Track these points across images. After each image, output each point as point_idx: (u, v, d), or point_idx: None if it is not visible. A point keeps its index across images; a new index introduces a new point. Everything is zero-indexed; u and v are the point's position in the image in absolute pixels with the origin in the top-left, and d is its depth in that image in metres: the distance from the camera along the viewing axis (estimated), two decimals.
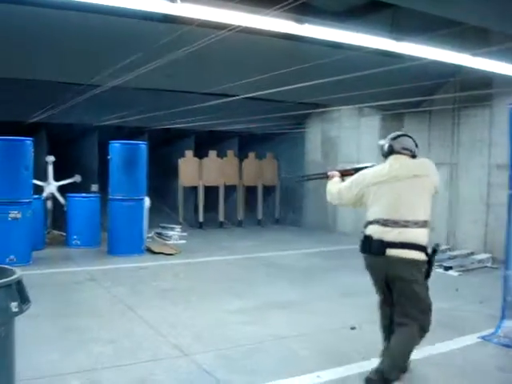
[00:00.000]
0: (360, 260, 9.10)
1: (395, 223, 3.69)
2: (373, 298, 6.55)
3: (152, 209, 10.63)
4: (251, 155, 14.26)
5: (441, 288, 7.16)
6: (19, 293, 3.20)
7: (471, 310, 6.10)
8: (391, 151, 4.03)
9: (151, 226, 11.03)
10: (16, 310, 3.15)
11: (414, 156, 4.04)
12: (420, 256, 3.70)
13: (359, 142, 12.00)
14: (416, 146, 4.11)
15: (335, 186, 4.23)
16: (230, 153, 13.91)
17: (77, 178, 11.17)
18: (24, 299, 3.23)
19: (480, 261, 8.85)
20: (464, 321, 5.48)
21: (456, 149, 9.75)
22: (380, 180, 3.88)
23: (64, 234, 10.42)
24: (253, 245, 10.92)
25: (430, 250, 3.80)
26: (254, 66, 7.27)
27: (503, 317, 5.20)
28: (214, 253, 9.84)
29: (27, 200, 8.49)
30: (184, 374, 4.14)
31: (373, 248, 3.76)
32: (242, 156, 14.11)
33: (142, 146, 9.96)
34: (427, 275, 3.82)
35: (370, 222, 3.84)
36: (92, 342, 4.79)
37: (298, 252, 10.14)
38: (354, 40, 5.92)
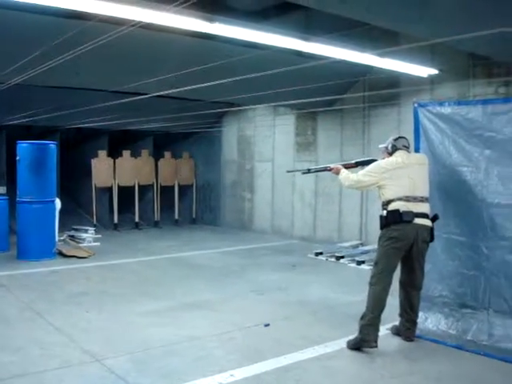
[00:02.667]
0: (274, 258, 9.25)
1: (415, 199, 4.70)
2: (287, 295, 6.71)
3: (64, 211, 10.30)
4: (167, 154, 14.12)
5: (354, 282, 7.41)
6: None
7: None
8: (395, 149, 4.98)
9: (64, 228, 10.70)
10: None
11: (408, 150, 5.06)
12: (430, 223, 4.77)
13: (274, 141, 12.14)
14: (409, 144, 5.09)
15: (352, 175, 5.05)
16: (144, 152, 13.70)
17: None
18: None
19: None
20: None
21: (367, 147, 10.05)
22: (395, 167, 4.80)
23: None
24: (169, 245, 10.82)
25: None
26: (167, 65, 7.20)
27: None
28: (129, 254, 9.66)
29: None
30: (95, 379, 4.04)
31: (405, 217, 4.63)
32: (157, 155, 13.93)
33: (52, 146, 9.63)
34: (432, 237, 4.83)
35: (392, 200, 4.72)
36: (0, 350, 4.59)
37: (214, 251, 10.14)
38: (266, 39, 5.99)
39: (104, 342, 4.89)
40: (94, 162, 12.84)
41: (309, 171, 5.93)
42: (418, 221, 4.65)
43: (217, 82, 6.42)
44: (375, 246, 9.36)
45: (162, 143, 14.30)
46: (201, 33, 5.69)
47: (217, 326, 5.41)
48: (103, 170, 12.92)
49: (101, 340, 4.94)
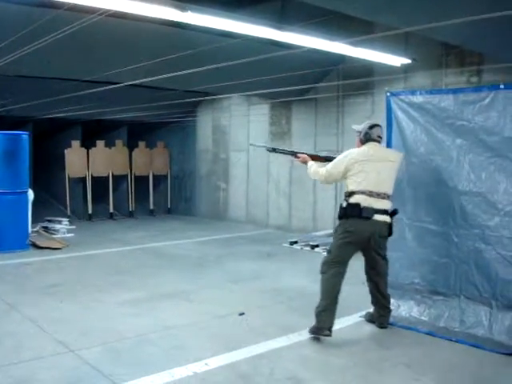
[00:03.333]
0: (249, 247, 9.23)
1: (378, 195, 4.64)
2: (262, 283, 6.74)
3: (37, 202, 10.20)
4: (141, 144, 14.02)
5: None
6: None
7: (354, 291, 6.32)
8: (368, 139, 4.88)
9: (37, 219, 10.59)
10: None
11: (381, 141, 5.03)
12: (389, 219, 4.75)
13: (249, 130, 12.13)
14: (382, 134, 5.05)
15: (321, 170, 5.00)
16: (118, 142, 13.59)
17: None
18: None
19: None
20: (348, 301, 5.67)
21: (341, 136, 10.10)
22: (364, 159, 4.71)
23: None
24: (144, 235, 10.78)
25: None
26: (139, 54, 7.14)
27: None
28: (103, 245, 9.59)
29: None
30: (69, 370, 4.02)
31: (364, 213, 4.60)
32: (131, 145, 13.83)
33: (24, 136, 9.49)
34: (391, 232, 4.83)
35: (355, 192, 4.67)
36: None
37: (189, 241, 10.13)
38: (239, 29, 5.96)
39: (78, 332, 4.87)
40: (67, 152, 12.69)
41: (274, 150, 5.88)
42: (377, 217, 4.64)
43: (190, 71, 6.39)
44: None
45: (137, 133, 14.19)
46: (173, 21, 5.65)
47: (191, 316, 5.43)
48: (76, 160, 12.78)
49: (74, 331, 4.91)
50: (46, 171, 13.41)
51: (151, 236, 10.72)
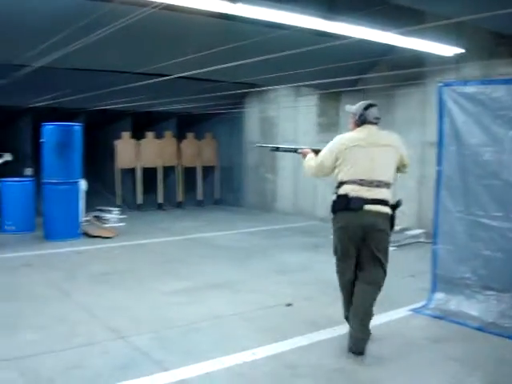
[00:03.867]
0: (296, 239, 9.23)
1: (370, 183, 4.15)
2: (309, 275, 6.74)
3: (89, 192, 10.44)
4: (190, 136, 14.17)
5: None
6: None
7: (404, 283, 6.31)
8: (364, 121, 4.40)
9: (89, 209, 10.83)
10: None
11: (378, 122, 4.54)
12: (388, 210, 4.21)
13: (297, 122, 12.10)
14: (379, 116, 4.54)
15: (314, 160, 4.54)
16: (167, 134, 13.77)
17: (6, 157, 10.71)
18: None
19: (414, 236, 9.14)
20: (396, 294, 5.65)
21: (391, 127, 9.92)
22: (356, 144, 4.25)
23: None
24: (192, 226, 10.91)
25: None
26: (189, 46, 7.19)
27: (434, 289, 5.41)
28: (152, 235, 9.77)
29: None
30: (120, 356, 4.12)
31: (352, 204, 4.13)
32: (180, 137, 13.99)
33: (77, 127, 9.73)
34: (392, 226, 4.30)
35: (345, 182, 4.20)
36: (26, 328, 4.70)
37: (237, 232, 10.20)
38: (288, 19, 5.95)
39: (128, 319, 4.99)
40: (117, 143, 12.95)
41: (277, 149, 5.62)
42: (368, 207, 4.11)
43: (239, 63, 6.42)
44: (397, 227, 9.39)
45: (186, 124, 14.34)
46: (223, 13, 5.68)
47: (239, 306, 5.47)
48: (127, 151, 13.03)
49: (125, 318, 5.03)
50: (97, 162, 13.70)
51: (199, 226, 10.84)
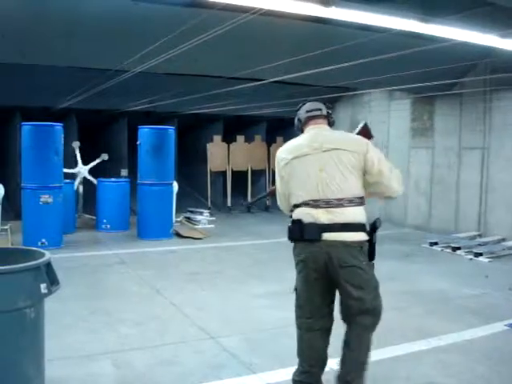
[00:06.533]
0: (385, 246, 9.01)
1: (328, 203, 3.10)
2: (398, 284, 6.57)
3: (180, 193, 10.71)
4: (279, 140, 14.19)
5: (470, 274, 7.15)
6: (48, 275, 3.27)
7: (500, 297, 6.02)
8: (304, 122, 3.51)
9: (179, 210, 11.11)
10: (45, 291, 3.23)
11: (329, 118, 3.52)
12: (361, 236, 3.14)
13: (389, 126, 11.86)
14: (329, 108, 3.55)
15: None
16: (257, 137, 13.89)
17: (104, 157, 11.19)
18: (53, 281, 3.30)
19: (511, 247, 8.72)
20: (492, 308, 5.42)
21: (488, 133, 9.57)
22: (296, 155, 3.29)
23: (94, 217, 10.57)
24: (279, 229, 10.76)
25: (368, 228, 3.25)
26: (282, 50, 7.24)
27: None
28: (241, 237, 9.87)
29: (58, 184, 8.61)
30: (210, 356, 4.19)
31: (306, 233, 3.13)
32: (269, 141, 14.07)
33: (171, 130, 10.02)
34: (371, 257, 3.26)
35: (298, 205, 3.22)
36: (119, 324, 4.89)
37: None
38: (382, 22, 5.83)
39: (218, 320, 5.06)
40: (209, 146, 13.20)
41: (250, 203, 4.57)
42: (329, 236, 3.06)
43: (332, 67, 6.38)
44: (494, 238, 9.09)
45: (275, 129, 14.40)
46: (316, 17, 5.65)
47: None
48: (218, 154, 13.26)
49: (215, 318, 5.11)
50: (188, 164, 14.03)
51: (286, 230, 10.80)
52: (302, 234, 3.15)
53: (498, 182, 9.38)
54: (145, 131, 9.74)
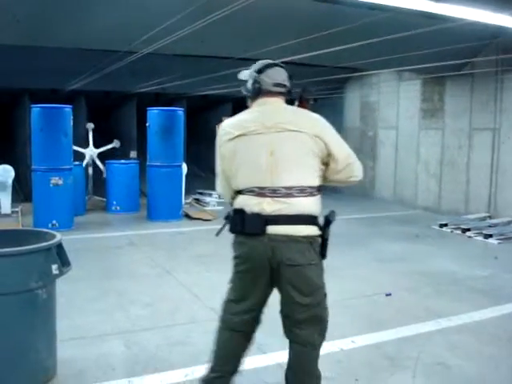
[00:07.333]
0: (396, 227, 9.01)
1: (274, 192, 2.67)
2: (409, 265, 6.57)
3: (189, 175, 10.72)
4: None
5: (480, 256, 7.14)
6: (59, 256, 3.30)
7: (510, 278, 6.02)
8: (259, 91, 2.89)
9: (189, 192, 11.13)
10: (56, 272, 3.26)
11: (291, 95, 2.99)
12: (312, 231, 2.77)
13: (398, 108, 11.78)
14: (290, 78, 2.99)
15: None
16: None
17: (116, 144, 11.26)
18: (64, 262, 3.33)
19: None
20: (502, 289, 5.41)
21: (499, 113, 9.49)
22: (244, 132, 2.78)
23: (104, 199, 10.62)
24: None
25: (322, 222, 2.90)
26: (289, 30, 7.17)
27: None
28: None
29: (68, 167, 8.64)
30: None
31: (248, 225, 2.71)
32: None
33: (180, 112, 10.00)
34: (323, 254, 2.90)
35: (240, 192, 2.78)
36: (130, 305, 4.93)
37: (336, 218, 10.06)
38: (392, 1, 5.77)
39: None
40: (218, 128, 13.13)
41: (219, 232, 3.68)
42: (274, 230, 2.65)
43: (340, 48, 6.32)
44: (504, 219, 9.04)
45: None
46: None
47: (337, 293, 5.38)
48: None
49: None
50: (197, 146, 14.02)
51: None
52: (243, 226, 2.72)
53: (509, 163, 9.32)
54: (154, 113, 9.73)
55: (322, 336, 2.91)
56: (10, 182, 9.46)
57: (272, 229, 2.65)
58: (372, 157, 12.64)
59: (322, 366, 3.71)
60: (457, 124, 10.24)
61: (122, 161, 10.75)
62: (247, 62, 8.22)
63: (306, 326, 2.82)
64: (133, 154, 12.04)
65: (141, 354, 3.87)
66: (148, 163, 9.71)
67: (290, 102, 3.00)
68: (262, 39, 7.39)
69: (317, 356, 2.89)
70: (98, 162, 11.05)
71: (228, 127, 2.89)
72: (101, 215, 10.00)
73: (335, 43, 6.46)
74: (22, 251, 3.13)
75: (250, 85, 2.92)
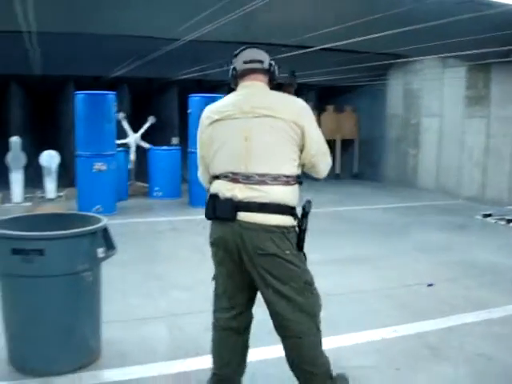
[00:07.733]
0: (438, 217, 8.88)
1: (247, 178, 2.63)
2: (451, 255, 6.48)
3: None
4: (329, 108, 14.06)
5: (505, 242, 6.99)
6: (105, 239, 3.38)
7: None
8: (234, 73, 2.89)
9: None
10: (102, 255, 3.34)
11: (271, 73, 2.91)
12: (285, 221, 2.65)
13: (442, 95, 11.56)
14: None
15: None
16: (309, 104, 13.74)
17: (152, 120, 11.29)
18: (109, 246, 3.41)
19: None
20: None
21: None
22: (221, 117, 2.77)
23: (146, 185, 10.75)
24: (330, 199, 10.84)
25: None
26: (331, 16, 7.10)
27: None
28: None
29: (111, 152, 8.78)
30: (259, 321, 4.23)
31: (219, 210, 2.68)
32: (320, 109, 13.92)
33: (220, 98, 9.99)
34: (299, 245, 2.73)
35: (216, 176, 2.77)
36: (172, 289, 5.01)
37: (375, 207, 10.02)
38: None
39: None
40: None
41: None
42: (245, 217, 2.61)
43: (384, 34, 6.23)
44: None
45: (325, 97, 14.24)
46: None
47: (378, 282, 5.41)
48: None
49: None
50: None
51: (337, 200, 10.78)
52: (215, 210, 2.70)
53: None
54: (196, 99, 9.77)
55: (313, 323, 2.80)
56: (55, 167, 9.67)
57: (243, 215, 2.61)
58: (415, 145, 12.46)
59: (363, 354, 3.73)
60: (502, 112, 9.99)
61: (164, 147, 10.86)
62: (289, 48, 8.25)
63: (295, 317, 2.72)
64: (175, 140, 12.14)
65: (182, 337, 3.94)
66: (189, 150, 9.77)
67: (277, 86, 2.93)
68: (304, 25, 7.35)
69: (317, 343, 2.80)
70: (143, 143, 11.12)
71: (209, 112, 2.88)
72: (143, 201, 10.15)
73: (378, 29, 6.37)
74: (69, 234, 3.21)
75: (230, 73, 2.92)
